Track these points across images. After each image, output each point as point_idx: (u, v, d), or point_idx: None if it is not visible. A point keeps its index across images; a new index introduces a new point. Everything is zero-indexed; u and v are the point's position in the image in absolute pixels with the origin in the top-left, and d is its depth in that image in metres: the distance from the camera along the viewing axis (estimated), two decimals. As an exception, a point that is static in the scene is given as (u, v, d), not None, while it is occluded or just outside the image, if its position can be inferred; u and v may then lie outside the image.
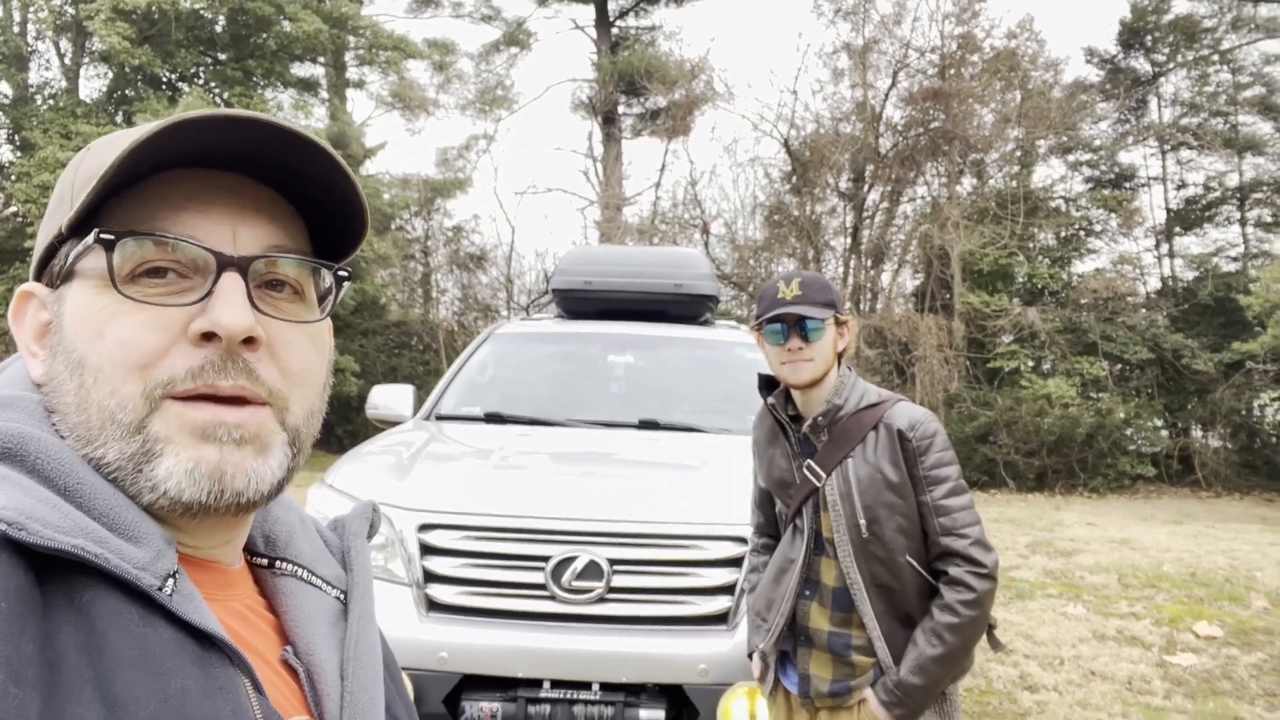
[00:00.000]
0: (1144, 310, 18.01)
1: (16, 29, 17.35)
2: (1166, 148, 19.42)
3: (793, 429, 2.12)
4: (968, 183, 18.95)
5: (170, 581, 0.58)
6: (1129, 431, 16.56)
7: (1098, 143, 19.42)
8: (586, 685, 2.60)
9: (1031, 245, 18.18)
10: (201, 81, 18.20)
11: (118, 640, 0.53)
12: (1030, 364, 16.88)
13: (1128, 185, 19.64)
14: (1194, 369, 16.36)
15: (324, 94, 20.78)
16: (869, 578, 1.97)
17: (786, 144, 18.09)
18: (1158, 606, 6.31)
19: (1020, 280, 18.12)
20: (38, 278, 0.69)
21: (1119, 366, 17.34)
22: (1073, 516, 11.69)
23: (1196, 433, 17.46)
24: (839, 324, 2.08)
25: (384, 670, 0.74)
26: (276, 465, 0.64)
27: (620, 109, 22.59)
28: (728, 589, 2.75)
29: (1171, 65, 19.38)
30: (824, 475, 2.02)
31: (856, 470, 1.99)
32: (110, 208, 0.63)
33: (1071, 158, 19.42)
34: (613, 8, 23.07)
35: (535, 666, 2.61)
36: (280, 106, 18.93)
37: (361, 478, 3.20)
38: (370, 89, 22.41)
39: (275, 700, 0.61)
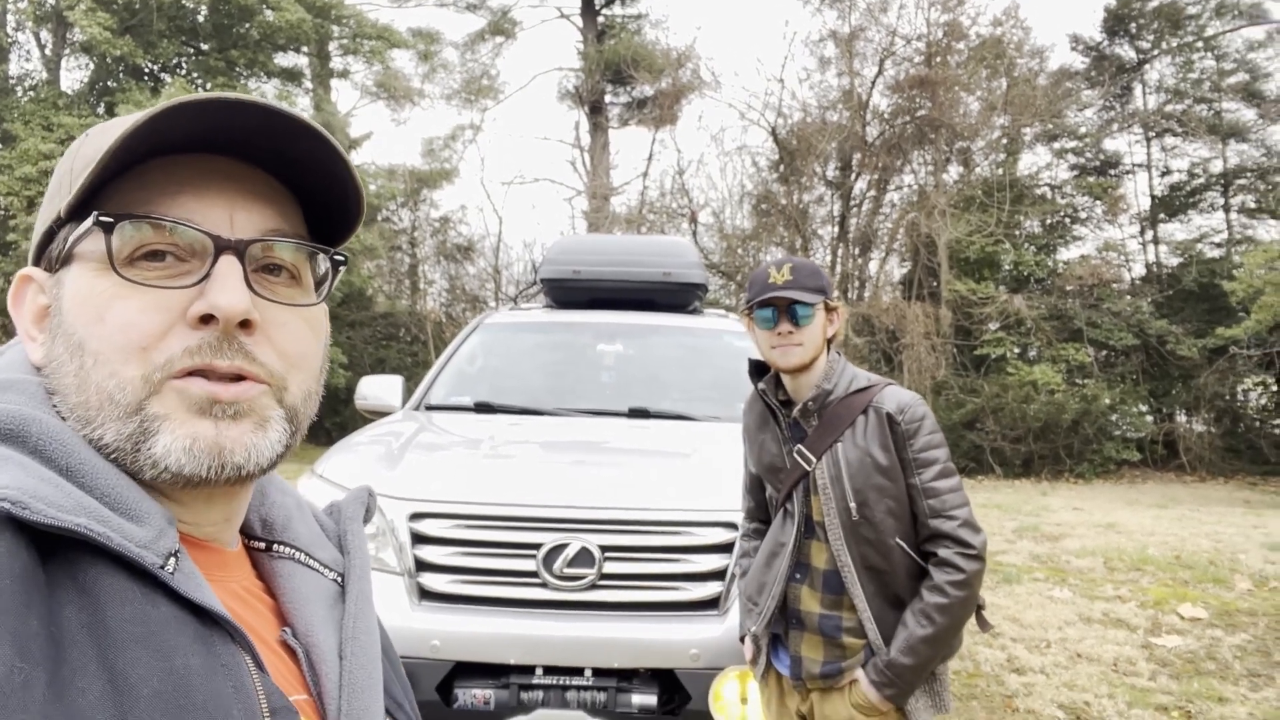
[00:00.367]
0: (1129, 297, 18.13)
1: (-5, 20, 17.17)
2: (1151, 134, 19.54)
3: (783, 414, 2.14)
4: (954, 171, 19.02)
5: (172, 560, 0.58)
6: (1114, 417, 16.70)
7: (1083, 130, 19.53)
8: (579, 671, 2.62)
9: (1017, 233, 18.28)
10: (184, 72, 18.06)
11: (121, 618, 0.53)
12: (1016, 351, 16.99)
13: (1112, 172, 19.75)
14: (1178, 355, 16.51)
15: (308, 84, 20.63)
16: (859, 560, 1.98)
17: (774, 133, 18.11)
18: (1143, 589, 6.37)
19: (1006, 267, 18.21)
20: (36, 262, 0.69)
21: (1104, 353, 17.47)
22: (1059, 502, 11.79)
23: (1181, 418, 17.62)
24: (829, 309, 2.09)
25: (381, 652, 0.74)
26: (275, 440, 0.65)
27: (607, 98, 22.53)
28: (719, 574, 2.77)
29: (1156, 52, 19.46)
30: (814, 459, 2.04)
31: (846, 454, 2.00)
32: (108, 192, 0.63)
33: (1057, 145, 19.53)
34: (598, -4, 22.99)
35: (528, 653, 2.62)
36: (264, 97, 18.54)
37: (351, 468, 3.20)
38: (355, 79, 22.29)
39: (275, 680, 0.61)
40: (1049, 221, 19.23)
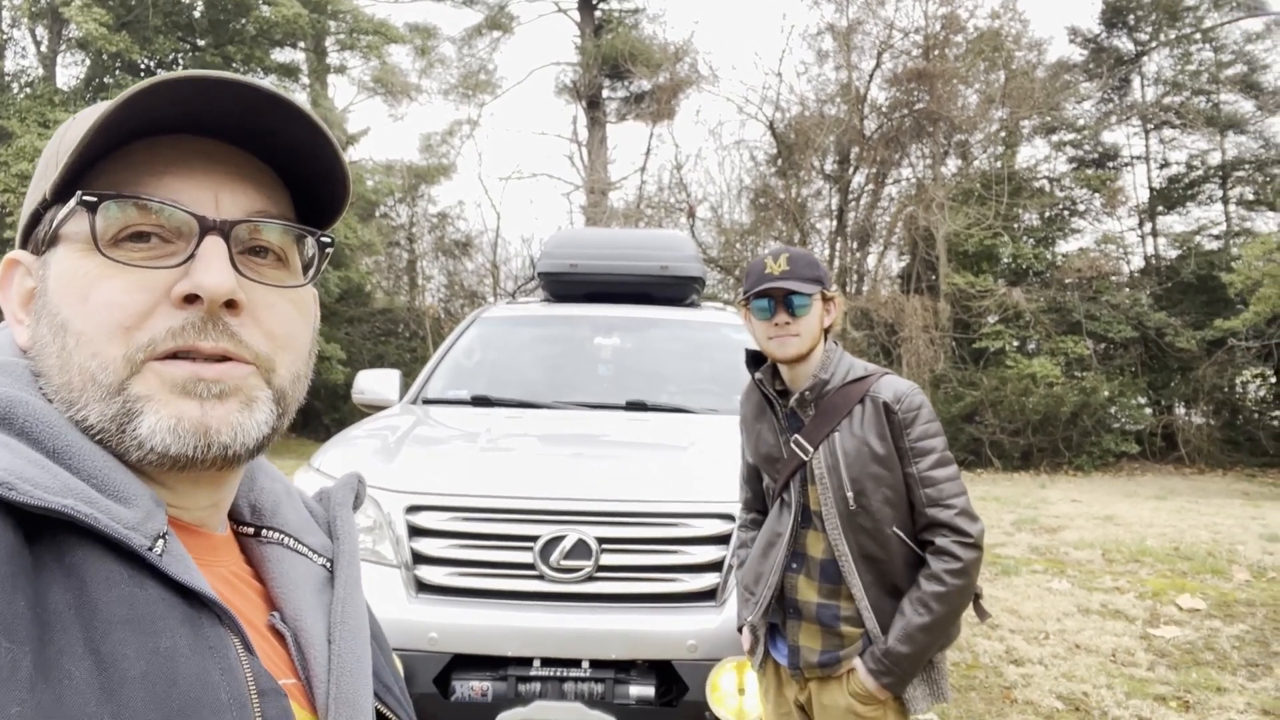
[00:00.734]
0: (1127, 289, 18.13)
1: (-10, 16, 17.12)
2: (1149, 127, 19.50)
3: (780, 404, 2.13)
4: (952, 164, 19.00)
5: (160, 542, 0.58)
6: (1113, 410, 16.69)
7: (1081, 122, 19.50)
8: (576, 663, 2.62)
9: (1016, 225, 18.26)
10: (181, 68, 17.99)
11: (108, 599, 0.53)
12: (1015, 344, 16.98)
13: (1111, 165, 19.71)
14: (1177, 347, 16.50)
15: (305, 80, 20.58)
16: (856, 549, 1.98)
17: (771, 126, 18.08)
18: (1141, 580, 6.38)
19: (1005, 261, 18.19)
20: (23, 246, 0.69)
21: (1103, 345, 17.46)
22: (1057, 494, 11.81)
23: (1179, 410, 17.62)
24: (826, 300, 2.09)
25: (370, 637, 0.74)
26: (262, 420, 0.64)
27: (604, 93, 22.50)
28: (716, 566, 2.76)
29: (1154, 44, 19.43)
30: (811, 449, 2.04)
31: (843, 443, 2.00)
32: (93, 174, 0.63)
33: (1055, 138, 19.51)
34: (596, -10, 22.94)
35: (525, 645, 2.61)
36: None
37: (348, 461, 3.20)
38: (352, 74, 22.24)
39: (264, 663, 0.61)
40: (1047, 214, 19.20)
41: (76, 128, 0.65)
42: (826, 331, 2.11)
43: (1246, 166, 18.78)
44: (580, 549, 2.70)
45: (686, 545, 2.79)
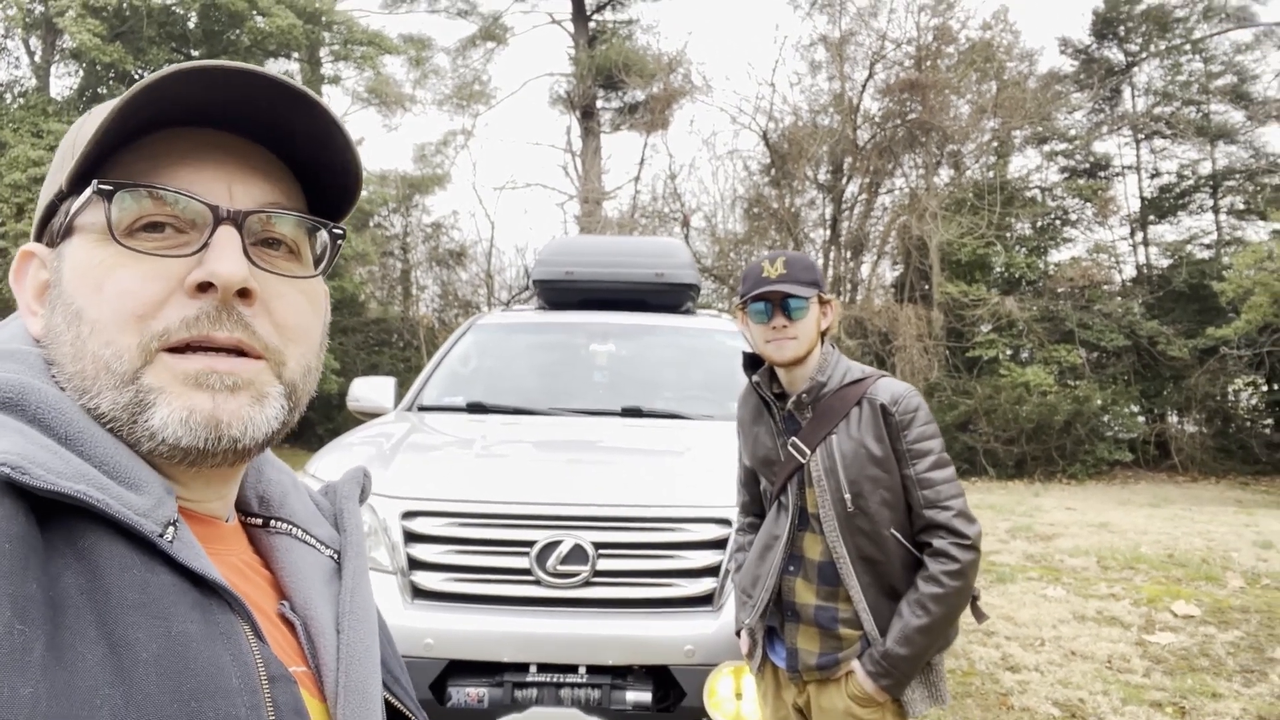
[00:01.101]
0: (1120, 298, 18.20)
1: (-16, 26, 17.10)
2: (1140, 137, 19.63)
3: (777, 406, 2.14)
4: (945, 173, 19.08)
5: (171, 529, 0.58)
6: (1106, 418, 16.73)
7: (1072, 132, 19.61)
8: (573, 668, 2.61)
9: (1008, 235, 18.34)
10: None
11: (120, 584, 0.53)
12: (1008, 352, 17.03)
13: (1102, 174, 19.82)
14: (1169, 355, 16.56)
15: (299, 90, 20.55)
16: (854, 551, 1.98)
17: (765, 136, 18.15)
18: (1136, 587, 6.39)
19: (998, 270, 18.26)
20: (38, 238, 0.69)
21: (1095, 354, 17.52)
22: (1052, 502, 11.81)
23: (1172, 418, 17.66)
24: (822, 303, 2.10)
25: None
26: (272, 415, 0.64)
27: (599, 103, 22.56)
28: (712, 570, 2.76)
29: (1144, 55, 19.57)
30: (809, 451, 2.04)
31: (841, 446, 2.00)
32: (109, 165, 0.64)
33: (1047, 148, 19.60)
34: (589, 1, 23.02)
35: (521, 651, 2.61)
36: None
37: (343, 467, 3.17)
38: (346, 85, 22.22)
39: (274, 650, 0.61)
40: (1040, 224, 19.29)
41: (92, 120, 0.65)
42: (823, 334, 2.12)
43: (1237, 176, 18.90)
44: (577, 554, 2.70)
45: (683, 550, 2.79)
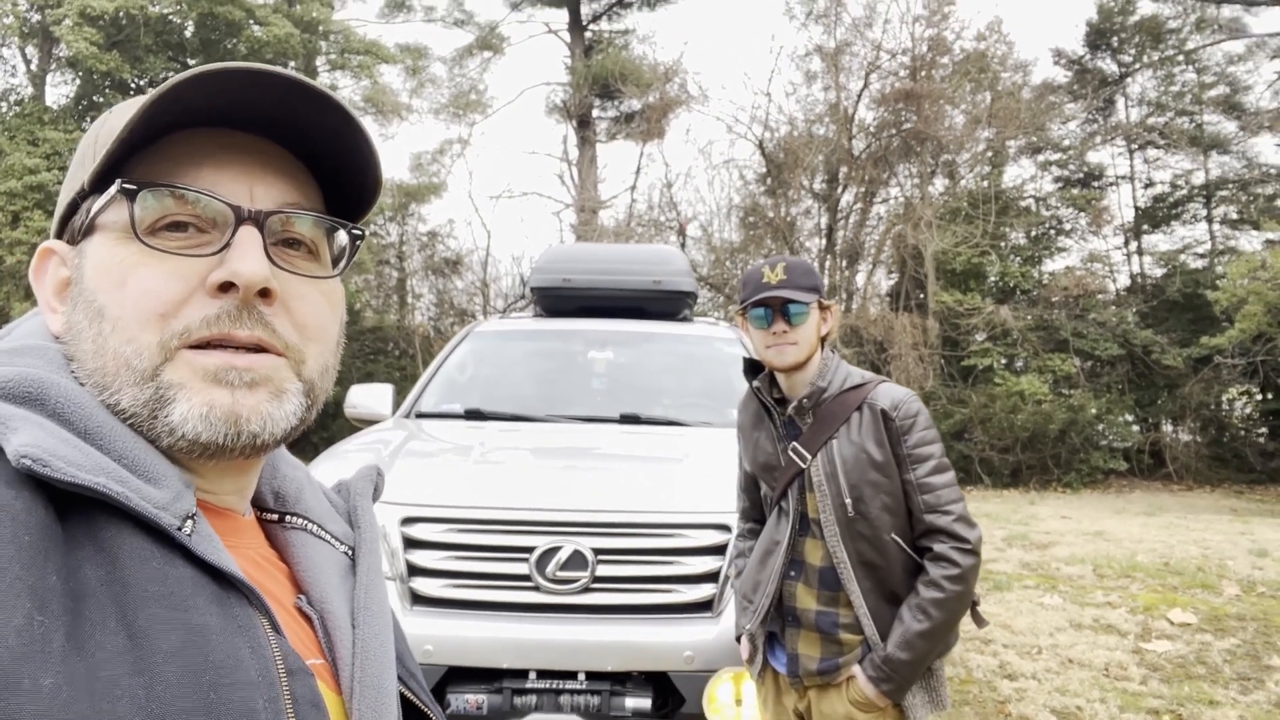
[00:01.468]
0: (1114, 307, 18.25)
1: (-20, 34, 17.10)
2: (1134, 147, 19.73)
3: (778, 412, 2.14)
4: (940, 183, 19.15)
5: (189, 523, 0.59)
6: (1101, 427, 16.75)
7: (1066, 143, 19.70)
8: (572, 675, 2.60)
9: (1003, 244, 18.39)
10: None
11: (139, 576, 0.53)
12: (1003, 362, 17.05)
13: (1096, 184, 19.91)
14: (1163, 364, 16.60)
15: (296, 99, 20.57)
16: (855, 556, 1.99)
17: (761, 146, 18.20)
18: (1132, 595, 6.39)
19: (992, 279, 18.31)
20: (59, 236, 0.70)
21: (1090, 363, 17.56)
22: (1047, 511, 11.83)
23: (1167, 427, 17.70)
24: (822, 308, 2.10)
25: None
26: (291, 411, 0.65)
27: (595, 112, 22.61)
28: (712, 576, 2.76)
29: (1138, 66, 19.69)
30: (809, 457, 2.04)
31: (841, 451, 2.00)
32: (131, 164, 0.64)
33: (1041, 158, 19.69)
34: (586, 11, 23.11)
35: (521, 657, 2.60)
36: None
37: (340, 474, 3.17)
38: (343, 94, 22.25)
39: (292, 644, 0.62)
40: (1034, 233, 19.36)
41: (115, 119, 0.66)
42: (823, 340, 2.12)
43: (1230, 186, 19.01)
44: (576, 560, 2.70)
45: (682, 556, 2.79)
